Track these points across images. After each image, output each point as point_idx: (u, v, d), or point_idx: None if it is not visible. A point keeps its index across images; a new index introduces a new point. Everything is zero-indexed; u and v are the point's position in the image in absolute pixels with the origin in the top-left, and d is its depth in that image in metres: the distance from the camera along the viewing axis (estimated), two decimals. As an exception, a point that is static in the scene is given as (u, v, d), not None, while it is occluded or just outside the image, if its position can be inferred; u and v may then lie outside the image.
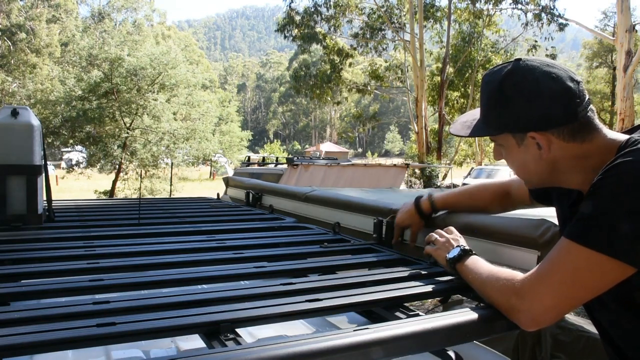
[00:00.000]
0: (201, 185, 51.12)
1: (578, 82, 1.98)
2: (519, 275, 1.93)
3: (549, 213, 2.58)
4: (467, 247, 2.31)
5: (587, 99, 1.98)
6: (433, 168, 34.70)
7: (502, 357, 2.49)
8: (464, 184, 33.83)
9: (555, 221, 2.46)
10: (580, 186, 2.05)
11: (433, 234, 2.56)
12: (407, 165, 18.76)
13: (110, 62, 31.21)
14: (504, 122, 2.07)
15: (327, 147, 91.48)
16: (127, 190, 33.08)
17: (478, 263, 2.20)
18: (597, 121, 2.01)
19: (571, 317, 3.27)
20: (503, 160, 2.30)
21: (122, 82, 31.09)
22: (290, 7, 46.97)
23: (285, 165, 18.97)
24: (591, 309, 2.18)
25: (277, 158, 24.95)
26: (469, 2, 46.13)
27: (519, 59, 2.07)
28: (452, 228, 2.53)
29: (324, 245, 3.13)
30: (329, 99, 51.99)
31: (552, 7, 43.20)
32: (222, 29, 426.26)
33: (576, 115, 1.95)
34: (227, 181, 6.83)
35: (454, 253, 2.32)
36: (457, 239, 2.42)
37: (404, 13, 45.70)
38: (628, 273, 1.76)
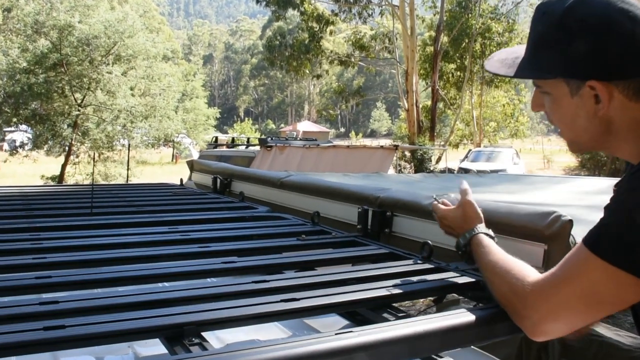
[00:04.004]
0: (162, 169, 50.99)
1: None
2: (531, 275, 1.89)
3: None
4: (480, 230, 2.27)
5: None
6: (425, 150, 34.61)
7: (503, 364, 2.50)
8: (460, 169, 33.90)
9: (563, 210, 2.46)
10: (632, 157, 1.88)
11: (441, 207, 2.50)
12: (396, 147, 18.71)
13: (59, 30, 30.90)
14: (560, 64, 1.89)
15: (305, 126, 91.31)
16: (78, 175, 32.92)
17: (492, 250, 2.15)
18: None
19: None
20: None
21: (73, 52, 30.83)
22: (263, -34, 46.77)
23: (258, 147, 18.96)
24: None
25: (248, 139, 24.97)
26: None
27: None
28: (470, 202, 2.44)
29: (302, 237, 3.14)
30: (308, 71, 51.85)
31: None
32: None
33: None
34: (191, 165, 6.81)
35: (466, 237, 2.28)
36: (474, 217, 2.36)
37: (393, -27, 45.59)
38: None
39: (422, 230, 3.10)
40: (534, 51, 1.99)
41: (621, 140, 1.89)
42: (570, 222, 2.39)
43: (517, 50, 2.11)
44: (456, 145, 60.36)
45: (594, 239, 1.76)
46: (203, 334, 1.70)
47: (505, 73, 2.08)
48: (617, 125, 1.86)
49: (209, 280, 2.48)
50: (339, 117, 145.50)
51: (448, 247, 2.68)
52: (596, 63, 1.80)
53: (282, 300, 1.94)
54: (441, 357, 1.87)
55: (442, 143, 50.56)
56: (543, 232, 2.41)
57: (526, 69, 2.02)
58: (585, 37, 1.81)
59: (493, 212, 2.71)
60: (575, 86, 1.88)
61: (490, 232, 2.31)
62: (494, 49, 45.38)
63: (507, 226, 2.58)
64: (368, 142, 70.57)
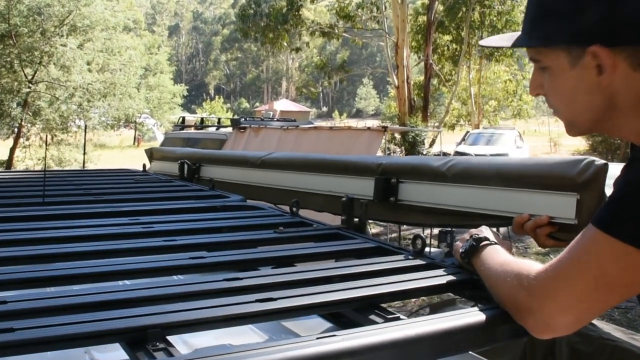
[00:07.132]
0: (123, 153, 50.94)
1: None
2: (536, 267, 1.89)
3: None
4: (482, 236, 2.26)
5: None
6: (418, 132, 34.57)
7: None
8: (456, 153, 33.85)
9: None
10: (636, 136, 1.92)
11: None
12: (385, 128, 18.65)
13: (6, -3, 30.86)
14: (561, 30, 1.92)
15: (282, 105, 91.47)
16: (28, 160, 32.84)
17: (494, 254, 2.15)
18: None
19: (593, 321, 3.28)
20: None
21: (23, 22, 30.71)
22: None
23: (230, 129, 18.94)
24: None
25: (219, 119, 24.89)
26: None
27: None
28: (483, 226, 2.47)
29: (279, 230, 3.13)
30: (285, 44, 51.70)
31: None
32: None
33: None
34: (150, 154, 6.65)
35: (465, 246, 2.28)
36: (481, 231, 2.35)
37: None
38: None
39: (433, 195, 3.11)
40: (530, 22, 2.04)
41: (625, 117, 1.92)
42: (605, 166, 2.40)
43: (514, 33, 2.15)
44: (452, 127, 60.30)
45: (600, 216, 1.79)
46: (168, 337, 1.69)
47: (503, 45, 2.18)
48: (621, 100, 1.88)
49: (175, 277, 2.48)
50: (321, 95, 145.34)
51: (460, 209, 2.71)
52: (602, 26, 1.82)
53: (257, 300, 1.93)
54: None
55: (437, 124, 50.59)
56: (575, 180, 2.42)
57: (525, 38, 2.06)
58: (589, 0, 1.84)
59: (518, 165, 2.73)
60: (575, 55, 1.90)
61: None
62: (494, 18, 45.41)
63: (535, 178, 2.59)
64: (353, 123, 70.46)
